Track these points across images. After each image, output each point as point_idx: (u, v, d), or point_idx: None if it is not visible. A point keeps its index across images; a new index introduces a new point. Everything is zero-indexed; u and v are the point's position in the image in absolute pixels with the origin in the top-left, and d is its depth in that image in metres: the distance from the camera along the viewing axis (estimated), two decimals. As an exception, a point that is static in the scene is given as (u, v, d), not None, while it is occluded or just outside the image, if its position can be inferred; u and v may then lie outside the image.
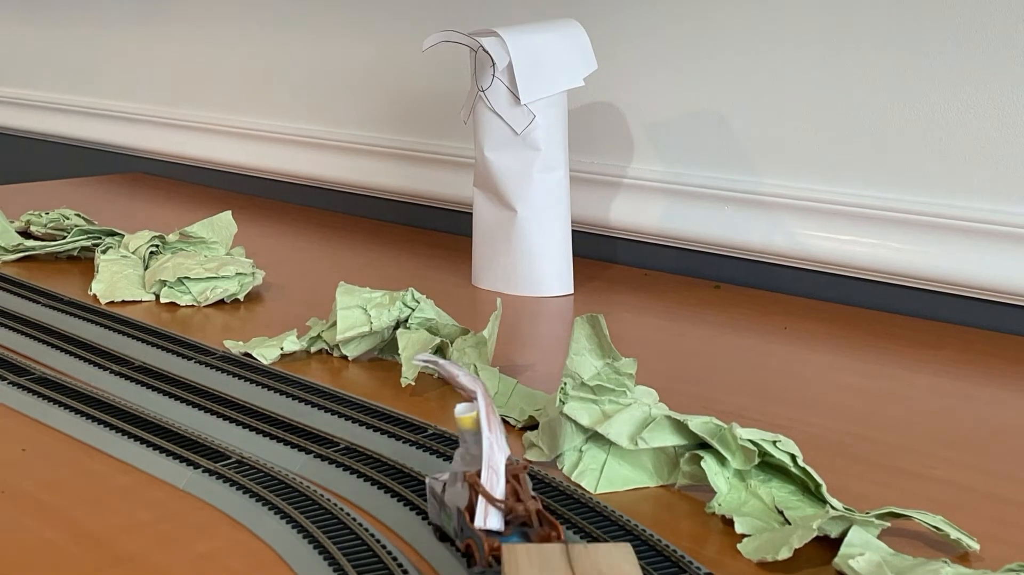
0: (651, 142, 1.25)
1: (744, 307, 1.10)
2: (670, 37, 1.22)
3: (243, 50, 1.76)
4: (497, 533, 0.54)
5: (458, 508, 0.57)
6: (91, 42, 2.09)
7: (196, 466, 0.69)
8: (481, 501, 0.55)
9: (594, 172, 1.29)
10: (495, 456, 0.56)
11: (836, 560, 0.57)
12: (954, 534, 0.60)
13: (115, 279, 1.12)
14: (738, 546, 0.60)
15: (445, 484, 0.59)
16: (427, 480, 0.61)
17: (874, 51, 1.07)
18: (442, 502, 0.59)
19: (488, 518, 0.55)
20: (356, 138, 1.58)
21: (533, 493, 0.56)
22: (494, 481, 0.55)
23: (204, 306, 1.09)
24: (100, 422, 0.76)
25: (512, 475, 0.55)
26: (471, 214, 1.18)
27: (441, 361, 0.59)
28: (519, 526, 0.54)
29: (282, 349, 0.92)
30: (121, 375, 0.86)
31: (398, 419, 0.76)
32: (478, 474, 0.55)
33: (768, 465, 0.66)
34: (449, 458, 0.69)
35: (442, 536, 0.60)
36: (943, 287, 1.04)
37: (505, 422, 0.78)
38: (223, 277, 1.10)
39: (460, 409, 0.58)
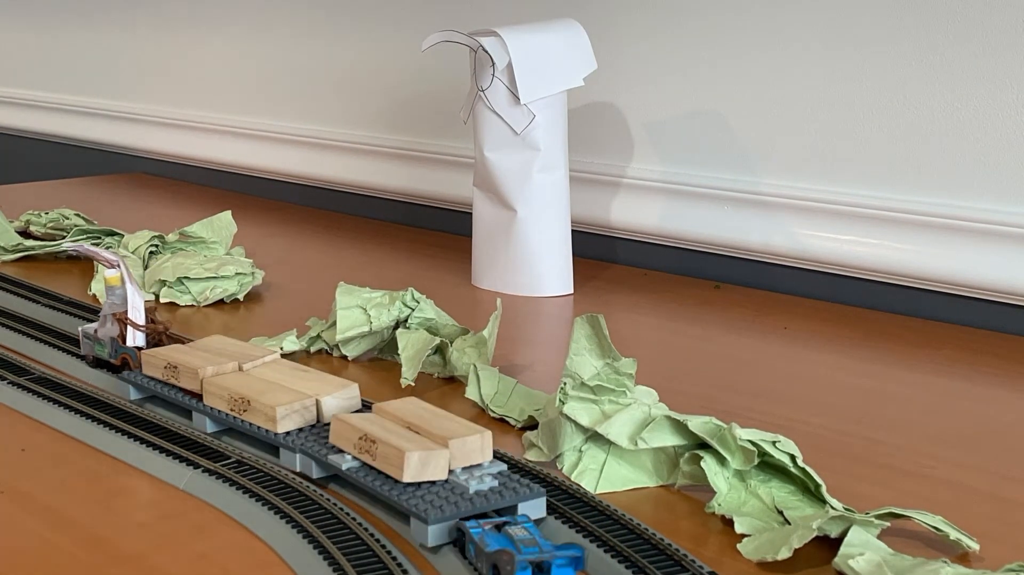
0: (651, 142, 1.25)
1: (744, 307, 1.10)
2: (670, 37, 1.22)
3: (243, 50, 1.76)
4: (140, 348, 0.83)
5: (111, 338, 0.86)
6: (91, 43, 2.09)
7: (196, 466, 0.69)
8: (130, 328, 0.85)
9: (594, 172, 1.29)
10: (135, 299, 0.86)
11: (836, 560, 0.57)
12: (954, 534, 0.60)
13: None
14: (738, 546, 0.60)
15: (95, 329, 0.87)
16: (80, 328, 0.89)
17: (874, 51, 1.07)
18: (95, 339, 0.87)
19: (136, 338, 0.85)
20: (356, 138, 1.58)
21: (160, 320, 0.88)
22: (137, 315, 0.85)
23: (204, 306, 1.09)
24: (100, 422, 0.76)
25: (148, 309, 0.86)
26: (471, 214, 1.18)
27: (84, 246, 0.89)
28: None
29: (282, 349, 0.92)
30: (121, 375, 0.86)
31: (398, 419, 0.76)
32: (125, 313, 0.85)
33: (768, 465, 0.66)
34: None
35: (95, 363, 0.87)
36: (943, 287, 1.04)
37: (505, 422, 0.78)
38: (223, 277, 1.10)
39: (108, 273, 0.86)
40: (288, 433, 0.70)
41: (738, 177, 1.18)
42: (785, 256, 1.15)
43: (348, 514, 0.62)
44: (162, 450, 0.71)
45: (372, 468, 0.64)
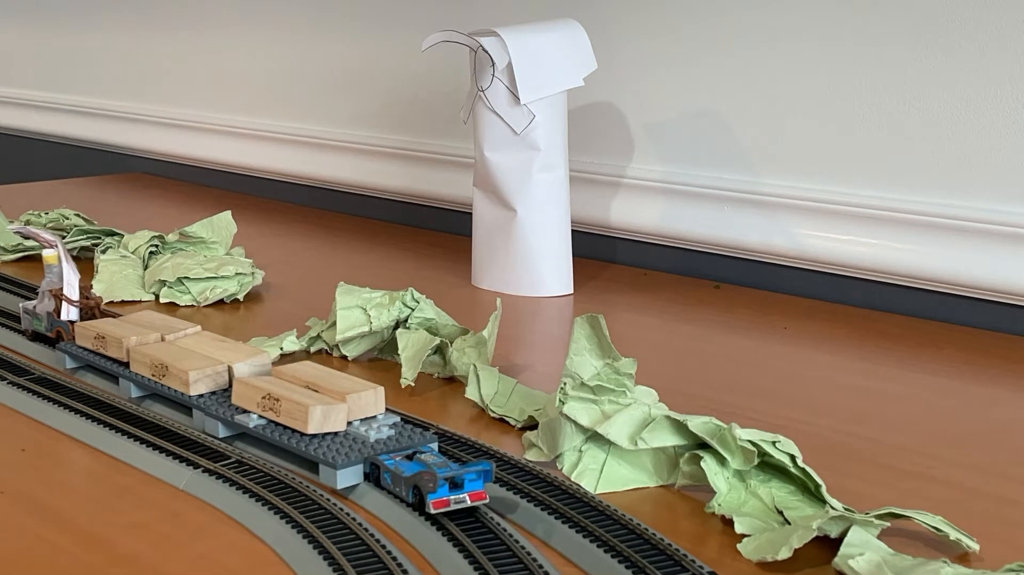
0: (651, 142, 1.25)
1: (744, 307, 1.10)
2: (670, 37, 1.22)
3: (243, 50, 1.76)
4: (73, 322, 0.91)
5: (47, 312, 0.93)
6: (92, 42, 2.09)
7: (196, 466, 0.69)
8: (65, 303, 0.92)
9: (594, 172, 1.29)
10: (71, 276, 0.93)
11: (836, 560, 0.57)
12: (953, 534, 0.60)
13: (115, 279, 1.12)
14: (738, 546, 0.60)
15: (35, 305, 0.94)
16: (20, 305, 0.96)
17: (874, 51, 1.07)
18: (34, 314, 0.94)
19: (70, 312, 0.92)
20: (356, 138, 1.58)
21: (93, 296, 0.94)
22: (71, 292, 0.92)
23: (204, 306, 1.09)
24: (100, 422, 0.76)
25: (82, 286, 0.93)
26: (471, 214, 1.18)
27: (27, 227, 0.98)
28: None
29: (282, 349, 0.92)
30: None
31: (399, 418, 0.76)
32: (61, 289, 0.92)
33: (768, 465, 0.66)
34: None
35: (34, 336, 0.95)
36: (943, 287, 1.04)
37: (505, 422, 0.78)
38: (223, 277, 1.10)
39: (46, 252, 0.94)
40: (201, 395, 0.77)
41: (738, 177, 1.18)
42: (785, 256, 1.15)
43: (348, 514, 0.62)
44: (162, 450, 0.72)
45: (277, 424, 0.70)
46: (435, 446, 0.69)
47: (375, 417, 0.71)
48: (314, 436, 0.68)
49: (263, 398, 0.71)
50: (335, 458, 0.66)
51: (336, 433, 0.69)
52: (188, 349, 0.82)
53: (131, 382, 0.82)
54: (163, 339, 0.85)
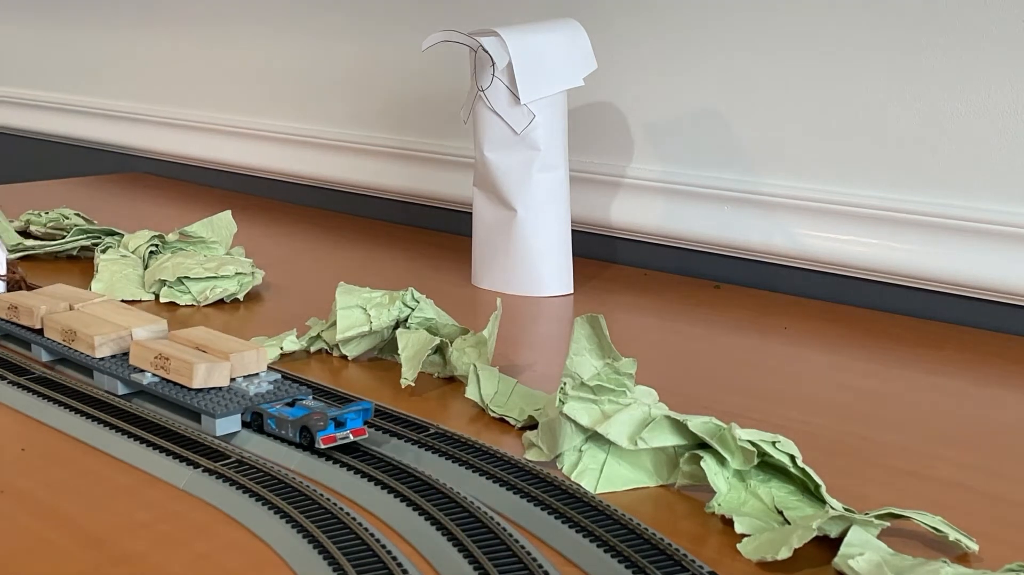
0: (651, 142, 1.25)
1: (744, 307, 1.10)
2: (670, 37, 1.22)
3: (243, 50, 1.76)
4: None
5: None
6: (91, 42, 2.09)
7: (196, 466, 0.69)
8: None
9: (594, 172, 1.29)
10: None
11: (836, 560, 0.57)
12: (953, 535, 0.60)
13: (115, 279, 1.12)
14: (738, 546, 0.60)
15: None
16: None
17: (874, 51, 1.07)
18: None
19: None
20: (356, 138, 1.58)
21: (20, 271, 1.02)
22: None
23: (204, 306, 1.09)
24: (100, 422, 0.76)
25: (9, 262, 0.98)
26: (471, 214, 1.18)
27: None
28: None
29: (282, 349, 0.92)
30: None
31: (399, 418, 0.76)
32: None
33: (768, 465, 0.66)
34: (452, 458, 0.69)
35: None
36: (943, 287, 1.04)
37: (505, 422, 0.78)
38: (223, 277, 1.10)
39: None
40: (104, 358, 0.84)
41: (738, 177, 1.18)
42: (785, 256, 1.15)
43: (348, 514, 0.62)
44: (162, 450, 0.72)
45: (168, 381, 0.79)
46: (311, 397, 0.76)
47: (257, 374, 0.79)
48: (199, 390, 0.77)
49: (155, 358, 0.79)
50: (215, 408, 0.74)
51: (220, 388, 0.77)
52: (95, 316, 0.89)
53: (42, 347, 0.89)
54: (72, 308, 0.92)
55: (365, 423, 0.71)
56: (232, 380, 0.78)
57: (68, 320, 0.88)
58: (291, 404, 0.74)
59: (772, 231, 1.15)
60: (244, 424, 0.75)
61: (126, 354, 0.85)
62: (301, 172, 1.66)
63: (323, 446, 0.69)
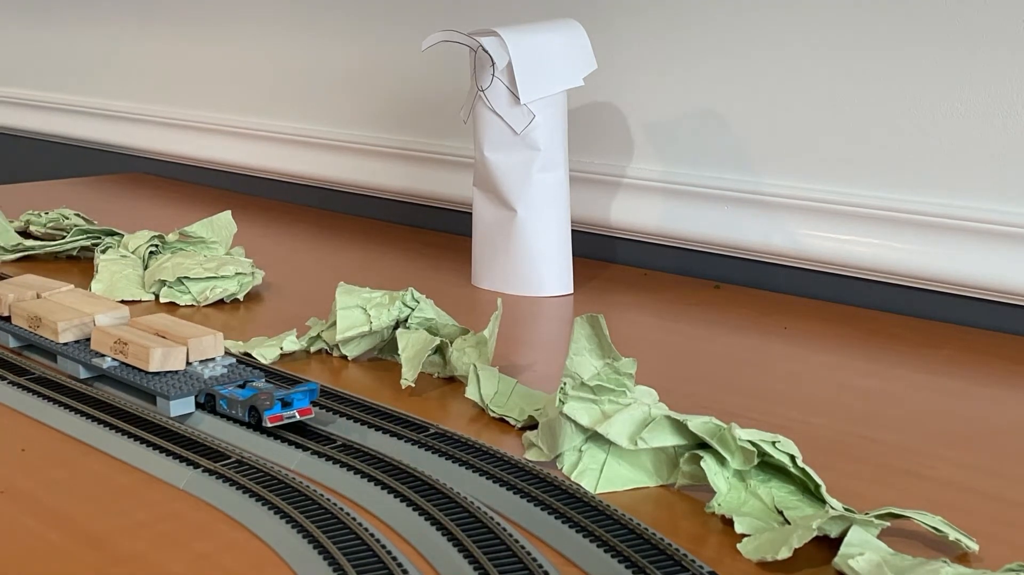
0: (651, 142, 1.25)
1: (744, 307, 1.10)
2: (670, 37, 1.22)
3: (243, 50, 1.76)
4: None
5: None
6: (91, 42, 2.09)
7: (196, 466, 0.69)
8: None
9: (594, 172, 1.29)
10: None
11: (836, 560, 0.57)
12: (953, 535, 0.60)
13: (115, 279, 1.12)
14: (738, 546, 0.60)
15: None
16: None
17: (874, 51, 1.07)
18: None
19: None
20: (356, 138, 1.58)
21: None
22: None
23: (204, 306, 1.09)
24: (100, 422, 0.76)
25: None
26: (471, 214, 1.18)
27: None
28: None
29: (282, 349, 0.92)
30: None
31: (399, 418, 0.76)
32: None
33: (768, 465, 0.66)
34: (452, 458, 0.69)
35: None
36: (943, 287, 1.04)
37: (505, 422, 0.78)
38: (223, 277, 1.10)
39: None
40: (67, 343, 0.88)
41: (738, 177, 1.18)
42: (785, 256, 1.15)
43: (348, 514, 0.62)
44: (162, 450, 0.72)
45: (127, 365, 0.82)
46: (263, 380, 0.80)
47: (214, 359, 0.83)
48: (156, 374, 0.80)
49: (115, 343, 0.83)
50: (169, 390, 0.77)
51: (176, 371, 0.81)
52: (60, 304, 0.93)
53: (9, 334, 0.94)
54: (39, 296, 0.96)
55: (312, 403, 0.75)
56: (189, 364, 0.82)
57: (34, 308, 0.92)
58: (242, 386, 0.78)
59: (772, 231, 1.15)
60: (198, 406, 0.78)
61: (88, 340, 0.88)
62: (301, 172, 1.66)
63: (270, 425, 0.72)
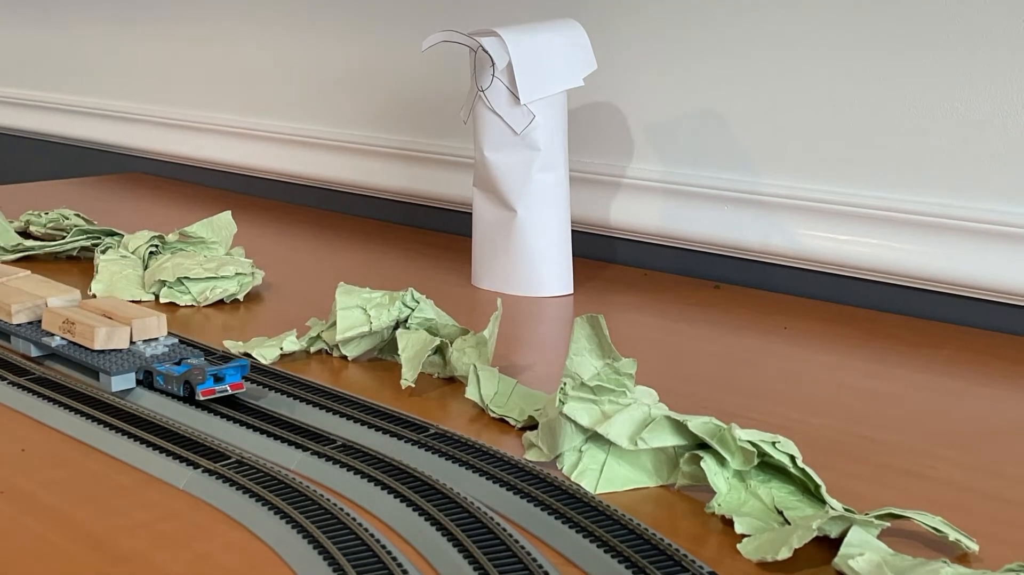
0: (651, 142, 1.25)
1: (744, 307, 1.10)
2: (670, 37, 1.22)
3: (243, 50, 1.76)
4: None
5: None
6: (91, 42, 2.09)
7: (196, 466, 0.69)
8: None
9: (594, 172, 1.29)
10: None
11: (836, 560, 0.57)
12: (953, 535, 0.60)
13: (115, 279, 1.12)
14: (738, 546, 0.60)
15: None
16: None
17: (874, 52, 1.07)
18: None
19: None
20: (356, 138, 1.58)
21: None
22: None
23: (204, 306, 1.09)
24: (100, 422, 0.76)
25: None
26: (471, 214, 1.18)
27: None
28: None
29: (282, 349, 0.92)
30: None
31: (399, 418, 0.76)
32: None
33: (768, 465, 0.66)
34: (451, 458, 0.69)
35: None
36: (943, 287, 1.04)
37: (505, 422, 0.78)
38: (223, 277, 1.10)
39: None
40: (20, 324, 0.94)
41: (738, 177, 1.18)
42: (785, 256, 1.15)
43: (348, 514, 0.62)
44: (162, 450, 0.72)
45: (75, 343, 0.87)
46: (202, 358, 0.84)
47: (157, 339, 0.88)
48: (101, 351, 0.85)
49: (63, 323, 0.89)
50: (111, 366, 0.82)
51: (120, 350, 0.86)
52: (16, 288, 0.98)
53: None
54: None
55: (243, 378, 0.79)
56: (133, 343, 0.87)
57: None
58: (178, 363, 0.83)
59: (771, 231, 1.15)
60: (138, 382, 0.83)
61: (40, 321, 0.93)
62: (301, 172, 1.66)
63: (202, 398, 0.77)
